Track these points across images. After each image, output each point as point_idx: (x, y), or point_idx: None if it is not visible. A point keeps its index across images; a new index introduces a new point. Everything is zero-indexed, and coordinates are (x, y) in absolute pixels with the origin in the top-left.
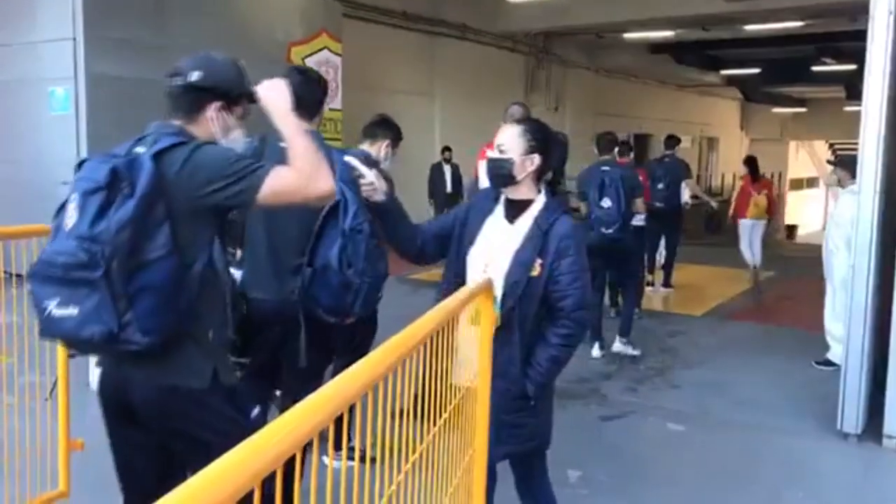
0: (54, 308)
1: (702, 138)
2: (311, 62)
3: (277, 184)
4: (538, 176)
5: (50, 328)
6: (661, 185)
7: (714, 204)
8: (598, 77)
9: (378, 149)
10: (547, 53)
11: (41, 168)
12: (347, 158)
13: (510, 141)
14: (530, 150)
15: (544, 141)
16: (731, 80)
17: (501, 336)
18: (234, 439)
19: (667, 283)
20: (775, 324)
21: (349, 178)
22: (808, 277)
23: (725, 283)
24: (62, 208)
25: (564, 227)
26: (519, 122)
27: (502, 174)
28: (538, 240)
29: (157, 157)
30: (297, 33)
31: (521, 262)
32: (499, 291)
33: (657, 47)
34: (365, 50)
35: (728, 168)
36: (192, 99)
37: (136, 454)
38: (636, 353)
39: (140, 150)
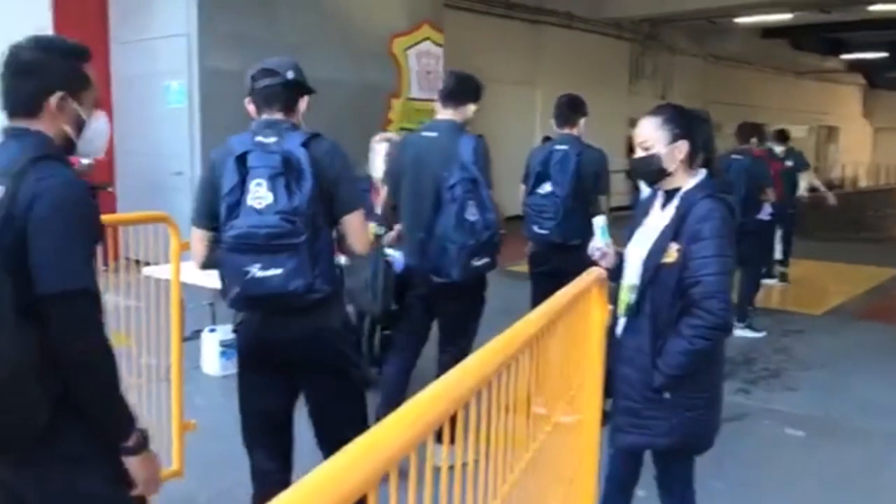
0: (258, 271)
1: (819, 128)
2: (412, 53)
3: (358, 220)
4: (690, 161)
5: (254, 287)
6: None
7: (832, 199)
8: (707, 64)
9: (578, 129)
10: (653, 40)
11: (159, 159)
12: (598, 221)
13: (651, 134)
14: (674, 139)
15: (686, 124)
16: (853, 65)
17: (631, 324)
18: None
19: (782, 278)
20: None
21: (469, 160)
22: None
23: (851, 281)
24: (235, 190)
25: (701, 210)
26: (655, 111)
27: (652, 171)
28: (675, 224)
29: (306, 146)
30: (399, 25)
31: (655, 248)
32: (634, 280)
33: (771, 32)
34: (467, 40)
35: (849, 159)
36: (290, 94)
37: (268, 395)
38: (761, 334)
39: (269, 140)
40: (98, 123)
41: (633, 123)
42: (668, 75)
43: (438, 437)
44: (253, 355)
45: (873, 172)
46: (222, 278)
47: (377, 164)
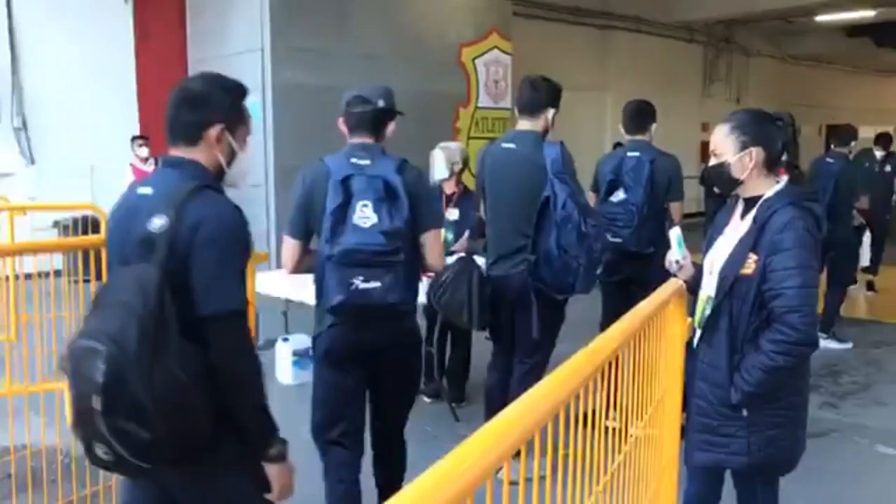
0: (361, 283)
1: None
2: (480, 62)
3: (435, 238)
4: (768, 166)
5: (358, 297)
6: None
7: None
8: (784, 65)
9: (649, 135)
10: (727, 42)
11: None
12: (675, 232)
13: (721, 142)
14: (743, 146)
15: (759, 130)
16: None
17: (708, 337)
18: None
19: (870, 286)
20: None
21: (559, 170)
22: None
23: None
24: (340, 209)
25: (783, 219)
26: (728, 118)
27: (722, 180)
28: (753, 234)
29: (400, 173)
30: (467, 34)
31: (732, 259)
32: (710, 291)
33: (854, 29)
34: (536, 47)
35: None
36: (380, 121)
37: (352, 388)
38: (847, 345)
39: (363, 162)
40: (247, 157)
41: (706, 128)
42: (742, 78)
43: None
44: (342, 353)
45: None
46: (321, 286)
47: (435, 171)
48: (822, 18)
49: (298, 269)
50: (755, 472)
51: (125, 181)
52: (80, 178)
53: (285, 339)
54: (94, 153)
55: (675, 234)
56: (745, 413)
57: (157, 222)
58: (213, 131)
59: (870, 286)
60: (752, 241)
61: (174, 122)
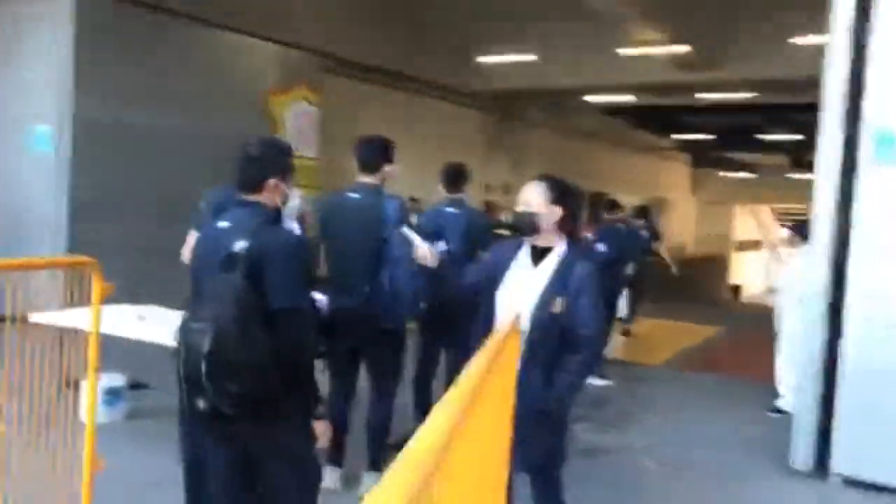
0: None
1: (653, 199)
2: (289, 112)
3: None
4: (560, 225)
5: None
6: None
7: (675, 269)
8: (557, 136)
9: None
10: (509, 113)
11: (21, 201)
12: (405, 231)
13: (534, 196)
14: (552, 201)
15: (563, 194)
16: (682, 145)
17: (526, 362)
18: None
19: (626, 333)
20: (730, 374)
21: (398, 220)
22: (753, 332)
23: (683, 336)
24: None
25: (584, 270)
26: (541, 178)
27: (527, 224)
28: (561, 281)
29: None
30: (277, 83)
31: (545, 300)
32: (525, 325)
33: (614, 110)
34: (345, 103)
35: (678, 229)
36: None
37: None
38: (609, 382)
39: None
40: (294, 199)
41: (488, 189)
42: (522, 146)
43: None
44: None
45: (699, 242)
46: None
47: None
48: (591, 98)
49: None
50: (553, 468)
51: None
52: None
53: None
54: None
55: (408, 233)
56: (552, 420)
57: (239, 245)
58: (272, 182)
59: (625, 333)
60: (558, 287)
61: (242, 176)
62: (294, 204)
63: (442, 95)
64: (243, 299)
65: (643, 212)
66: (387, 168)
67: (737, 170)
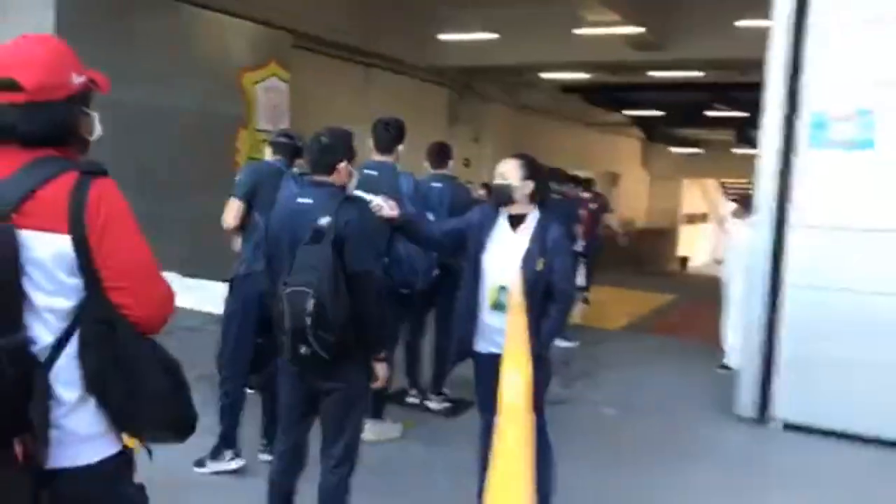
0: None
1: (606, 174)
2: (260, 88)
3: None
4: (532, 196)
5: None
6: None
7: (624, 240)
8: (515, 112)
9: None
10: (468, 89)
11: None
12: (360, 193)
13: (509, 171)
14: (524, 177)
15: (534, 170)
16: (635, 121)
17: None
18: None
19: (585, 301)
20: (680, 337)
21: (411, 194)
22: (702, 299)
23: (637, 304)
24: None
25: (556, 233)
26: (515, 156)
27: (504, 195)
28: (540, 243)
29: None
30: (249, 61)
31: (528, 260)
32: (509, 283)
33: (569, 87)
34: (311, 78)
35: (630, 203)
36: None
37: None
38: (574, 343)
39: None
40: (354, 178)
41: None
42: (481, 121)
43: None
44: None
45: (650, 215)
46: None
47: None
48: (545, 75)
49: None
50: (540, 398)
51: None
52: None
53: None
54: None
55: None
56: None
57: (323, 220)
58: (342, 165)
59: (584, 301)
60: (538, 249)
61: (317, 160)
62: (354, 182)
63: (405, 71)
64: (333, 266)
65: (588, 184)
66: (399, 148)
67: (686, 145)
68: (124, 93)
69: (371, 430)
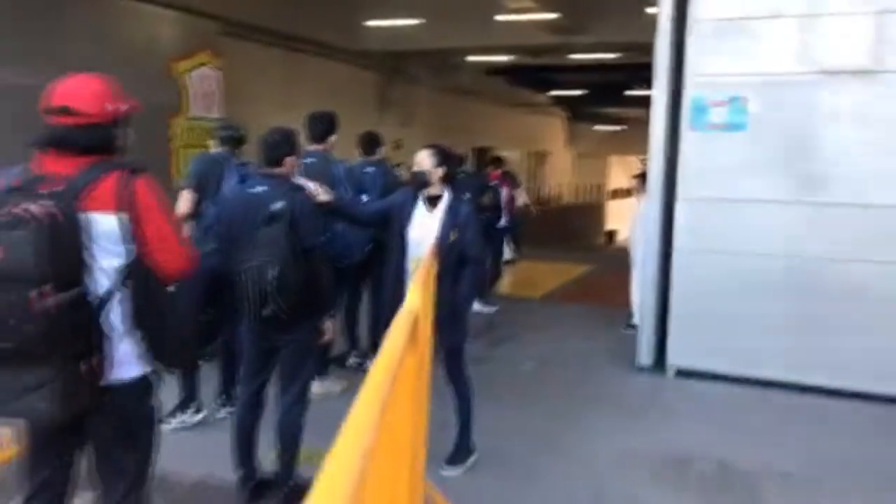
0: None
1: (532, 153)
2: (192, 76)
3: None
4: (443, 179)
5: None
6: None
7: (534, 211)
8: (443, 95)
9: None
10: (397, 73)
11: None
12: (298, 179)
13: (424, 160)
14: (437, 164)
15: (445, 157)
16: (558, 100)
17: (437, 276)
18: None
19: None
20: (596, 302)
21: (343, 178)
22: (619, 269)
23: (558, 274)
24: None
25: (466, 210)
26: (428, 146)
27: (422, 181)
28: (452, 218)
29: None
30: (179, 49)
31: (444, 232)
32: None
33: (493, 70)
34: (242, 65)
35: (555, 180)
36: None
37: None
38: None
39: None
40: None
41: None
42: (411, 104)
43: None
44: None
45: (574, 191)
46: None
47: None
48: (471, 59)
49: None
50: (459, 347)
51: None
52: None
53: None
54: None
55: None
56: (456, 316)
57: (278, 205)
58: (289, 159)
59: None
60: (451, 223)
61: (268, 155)
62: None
63: (335, 56)
64: (290, 242)
65: (498, 162)
66: (332, 138)
67: (609, 123)
68: (45, 82)
69: (318, 387)
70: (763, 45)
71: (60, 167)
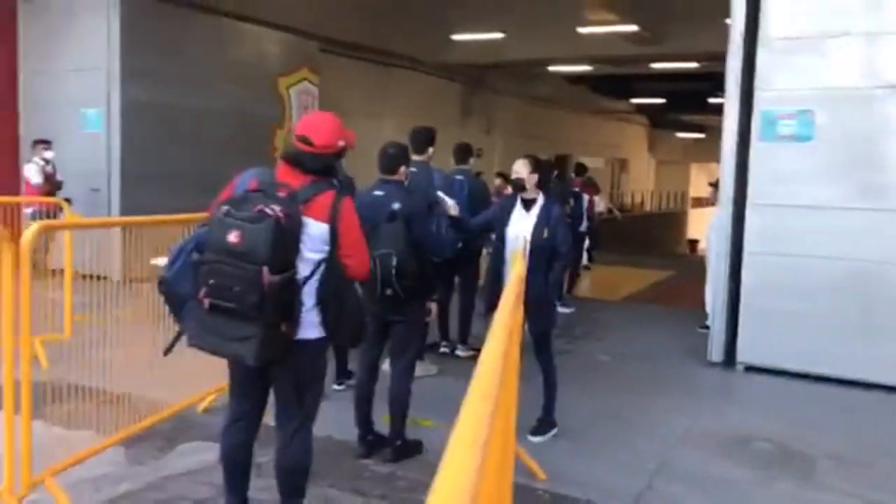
0: None
1: (614, 160)
2: (294, 91)
3: None
4: (538, 185)
5: None
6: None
7: (619, 216)
8: (524, 103)
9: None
10: (481, 83)
11: (74, 177)
12: (439, 194)
13: (521, 168)
14: (531, 171)
15: (539, 165)
16: (639, 108)
17: (531, 270)
18: None
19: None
20: (673, 304)
21: (441, 186)
22: (697, 275)
23: (638, 279)
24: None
25: (557, 211)
26: (525, 157)
27: (518, 186)
28: (545, 218)
29: None
30: (283, 66)
31: (537, 230)
32: (524, 247)
33: (576, 79)
34: (336, 79)
35: (637, 187)
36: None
37: None
38: (572, 309)
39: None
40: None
41: None
42: (492, 113)
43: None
44: None
45: (656, 198)
46: None
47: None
48: (553, 68)
49: None
50: (547, 332)
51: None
52: None
53: None
54: None
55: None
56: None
57: (395, 205)
58: (402, 169)
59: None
60: (544, 223)
61: (386, 165)
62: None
63: (422, 69)
64: (407, 236)
65: (581, 169)
66: (430, 150)
67: (691, 130)
68: (182, 99)
69: (418, 368)
70: (830, 60)
71: (291, 178)
